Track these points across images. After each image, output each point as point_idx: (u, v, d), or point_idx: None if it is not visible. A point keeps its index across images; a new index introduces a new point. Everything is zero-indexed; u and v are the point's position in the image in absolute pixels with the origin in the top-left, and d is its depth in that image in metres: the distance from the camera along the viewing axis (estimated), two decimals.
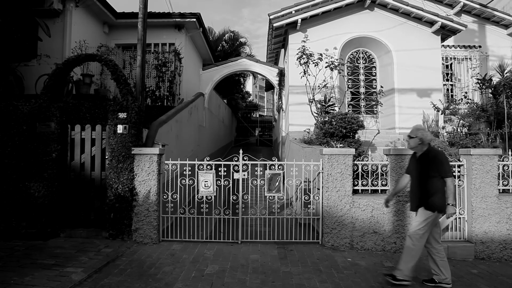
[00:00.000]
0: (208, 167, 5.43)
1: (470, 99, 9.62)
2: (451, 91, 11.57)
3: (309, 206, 5.50)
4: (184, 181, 5.42)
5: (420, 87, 9.87)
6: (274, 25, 9.91)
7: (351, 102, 10.61)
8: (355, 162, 5.43)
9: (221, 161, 5.50)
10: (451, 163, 5.47)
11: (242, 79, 23.62)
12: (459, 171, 5.46)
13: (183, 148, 8.92)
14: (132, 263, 4.45)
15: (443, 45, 10.83)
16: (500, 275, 4.50)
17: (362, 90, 10.63)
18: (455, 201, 3.88)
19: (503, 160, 5.43)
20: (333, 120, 7.88)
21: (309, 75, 8.38)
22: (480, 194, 5.25)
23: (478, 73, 10.52)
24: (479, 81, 9.35)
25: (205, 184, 5.38)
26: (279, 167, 5.53)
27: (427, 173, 3.98)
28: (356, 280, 4.07)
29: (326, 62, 8.42)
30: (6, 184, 5.34)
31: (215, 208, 5.49)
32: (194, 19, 10.56)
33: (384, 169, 5.39)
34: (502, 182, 5.35)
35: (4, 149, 5.39)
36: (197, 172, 5.40)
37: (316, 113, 8.55)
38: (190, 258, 4.69)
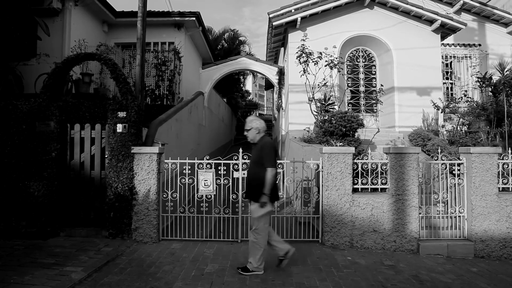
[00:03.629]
0: (207, 166, 5.43)
1: (470, 98, 9.61)
2: (451, 90, 11.55)
3: (308, 204, 5.50)
4: (184, 180, 5.42)
5: (420, 86, 9.86)
6: (274, 24, 9.90)
7: (351, 101, 10.60)
8: (355, 160, 5.43)
9: (221, 160, 5.50)
10: (450, 162, 5.48)
11: (241, 78, 23.58)
12: (458, 170, 5.47)
13: (182, 147, 8.92)
14: (132, 262, 4.45)
15: (443, 44, 10.81)
16: (500, 274, 4.50)
17: (362, 88, 10.62)
18: (270, 191, 3.95)
19: (502, 159, 5.43)
20: (333, 118, 7.87)
21: (308, 73, 8.37)
22: (480, 193, 5.25)
23: (478, 72, 10.52)
24: (479, 80, 9.34)
25: (204, 183, 5.38)
26: (279, 166, 5.52)
27: (255, 161, 4.10)
28: (356, 279, 4.07)
29: (326, 61, 8.41)
30: (6, 183, 5.34)
31: (215, 207, 5.49)
32: (194, 18, 10.54)
33: (384, 167, 5.39)
34: (502, 180, 5.36)
35: (3, 148, 5.38)
36: (197, 171, 5.40)
37: (316, 112, 8.55)
38: (190, 257, 4.69)
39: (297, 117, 9.57)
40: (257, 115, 30.12)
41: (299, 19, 9.75)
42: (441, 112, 9.34)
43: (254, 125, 4.18)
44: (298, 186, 5.64)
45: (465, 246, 5.21)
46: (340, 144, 7.07)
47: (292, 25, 9.99)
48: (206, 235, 5.68)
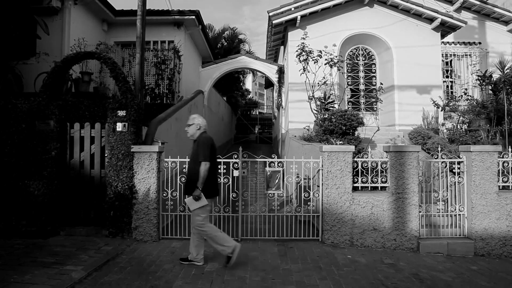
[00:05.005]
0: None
1: (470, 96, 9.59)
2: (451, 88, 11.54)
3: (308, 203, 5.50)
4: (183, 179, 5.40)
5: (420, 84, 9.85)
6: (273, 22, 9.88)
7: (351, 99, 10.59)
8: (355, 159, 5.43)
9: (221, 158, 5.49)
10: (450, 160, 5.48)
11: (241, 77, 23.56)
12: (459, 168, 5.47)
13: (182, 145, 8.90)
14: (132, 261, 4.45)
15: (442, 42, 10.80)
16: (500, 272, 4.51)
17: (361, 87, 10.61)
18: (210, 186, 4.16)
19: (503, 157, 5.43)
20: (332, 117, 7.87)
21: (308, 72, 8.36)
22: (480, 191, 5.25)
23: (478, 70, 10.49)
24: (479, 78, 9.33)
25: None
26: (279, 165, 5.52)
27: (194, 158, 4.24)
28: (356, 277, 4.07)
29: (326, 59, 8.40)
30: (6, 183, 5.34)
31: (215, 206, 5.48)
32: (193, 17, 10.53)
33: (384, 166, 5.39)
34: (502, 178, 5.36)
35: (3, 147, 5.38)
36: None
37: (316, 110, 8.54)
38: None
39: (297, 116, 9.56)
40: (257, 113, 30.10)
41: (299, 17, 9.73)
42: (441, 111, 9.33)
43: (196, 122, 4.33)
44: (298, 184, 5.64)
45: (465, 244, 5.21)
46: (340, 142, 7.07)
47: (292, 23, 9.96)
48: None
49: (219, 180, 5.40)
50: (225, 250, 4.21)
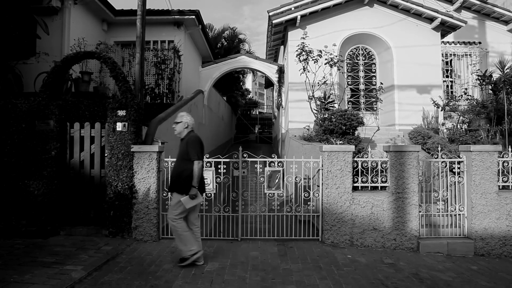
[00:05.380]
0: (207, 164, 5.42)
1: (470, 96, 9.58)
2: (451, 88, 11.54)
3: (308, 203, 5.50)
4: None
5: (420, 84, 9.85)
6: (273, 22, 9.87)
7: (351, 99, 10.59)
8: (355, 159, 5.43)
9: (221, 158, 5.49)
10: (450, 160, 5.48)
11: (241, 76, 23.54)
12: (459, 168, 5.47)
13: None
14: (132, 260, 4.45)
15: (443, 42, 10.80)
16: (500, 271, 4.51)
17: (361, 86, 10.61)
18: (198, 184, 4.18)
19: (503, 157, 5.43)
20: (332, 117, 7.87)
21: (308, 72, 8.36)
22: (480, 191, 5.25)
23: (478, 70, 10.49)
24: (479, 78, 9.33)
25: (204, 182, 5.37)
26: (279, 164, 5.52)
27: (182, 156, 4.22)
28: (356, 277, 4.07)
29: (326, 59, 8.39)
30: (6, 182, 5.34)
31: (215, 205, 5.49)
32: (193, 16, 10.52)
33: (384, 165, 5.39)
34: (502, 178, 5.35)
35: (3, 147, 5.38)
36: None
37: (316, 110, 8.54)
38: None
39: (297, 115, 9.57)
40: (257, 113, 30.09)
41: (299, 17, 9.72)
42: (441, 110, 9.33)
43: (184, 120, 4.34)
44: (298, 184, 5.64)
45: (465, 244, 5.21)
46: (340, 142, 7.07)
47: (292, 23, 9.96)
48: (206, 234, 5.69)
49: (219, 180, 5.42)
50: (186, 252, 4.22)
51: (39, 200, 5.31)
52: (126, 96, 5.50)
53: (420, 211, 5.29)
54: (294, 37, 9.70)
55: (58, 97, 5.63)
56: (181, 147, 4.34)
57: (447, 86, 11.47)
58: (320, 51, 8.34)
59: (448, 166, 5.43)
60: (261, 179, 5.45)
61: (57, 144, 5.43)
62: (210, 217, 5.78)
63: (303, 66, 8.40)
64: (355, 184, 5.39)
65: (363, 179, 5.39)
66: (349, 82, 10.51)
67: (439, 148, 5.60)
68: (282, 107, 12.83)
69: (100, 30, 10.33)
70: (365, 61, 10.68)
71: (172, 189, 4.31)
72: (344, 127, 7.70)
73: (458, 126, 8.72)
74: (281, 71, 12.34)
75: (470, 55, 11.43)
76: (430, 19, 9.92)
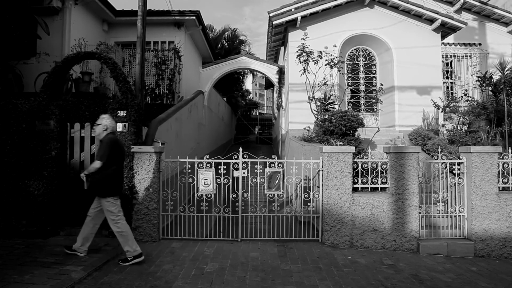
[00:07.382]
0: (208, 165, 5.42)
1: (470, 97, 9.60)
2: (451, 89, 11.55)
3: (308, 204, 5.50)
4: (184, 179, 5.41)
5: (420, 85, 9.86)
6: (274, 23, 9.89)
7: (351, 100, 10.59)
8: (355, 160, 5.43)
9: (221, 159, 5.49)
10: (450, 161, 5.47)
11: (241, 77, 23.58)
12: (459, 169, 5.47)
13: (182, 146, 8.91)
14: None
15: (443, 43, 10.81)
16: (500, 273, 4.51)
17: (362, 88, 10.62)
18: (107, 183, 4.30)
19: (503, 158, 5.43)
20: (333, 118, 7.87)
21: (308, 72, 8.36)
22: (480, 192, 5.25)
23: (478, 71, 10.50)
24: (479, 79, 9.34)
25: (204, 182, 5.37)
26: (279, 165, 5.52)
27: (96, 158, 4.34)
28: (356, 278, 4.07)
29: (326, 60, 8.40)
30: (6, 182, 5.34)
31: (215, 206, 5.48)
32: (194, 17, 10.53)
33: (384, 167, 5.39)
34: (502, 179, 5.35)
35: (3, 147, 5.38)
36: (197, 170, 5.39)
37: (316, 111, 8.54)
38: (190, 256, 4.69)
39: (297, 116, 9.57)
40: (257, 114, 30.12)
41: (299, 18, 9.74)
42: (441, 112, 9.34)
43: (104, 122, 4.38)
44: (298, 185, 5.64)
45: (465, 245, 5.21)
46: (340, 143, 7.07)
47: (292, 24, 9.98)
48: (206, 234, 5.69)
49: (219, 180, 5.42)
50: (130, 253, 4.29)
51: (39, 200, 5.30)
52: (126, 96, 5.51)
53: (420, 212, 5.29)
54: (294, 38, 9.71)
55: (59, 97, 5.64)
56: (98, 148, 4.47)
57: (447, 87, 11.48)
58: (321, 52, 8.35)
59: (448, 167, 5.43)
60: (261, 180, 5.45)
61: (58, 144, 5.43)
62: (210, 218, 5.78)
63: (304, 67, 8.40)
64: (355, 185, 5.39)
65: (363, 180, 5.39)
66: (349, 83, 10.52)
67: (439, 149, 5.60)
68: (282, 108, 12.84)
69: (101, 30, 10.34)
70: (365, 62, 10.69)
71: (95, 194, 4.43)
72: (344, 128, 7.70)
73: (458, 128, 8.72)
74: (281, 72, 12.35)
75: (470, 56, 11.45)
76: (431, 21, 9.93)
